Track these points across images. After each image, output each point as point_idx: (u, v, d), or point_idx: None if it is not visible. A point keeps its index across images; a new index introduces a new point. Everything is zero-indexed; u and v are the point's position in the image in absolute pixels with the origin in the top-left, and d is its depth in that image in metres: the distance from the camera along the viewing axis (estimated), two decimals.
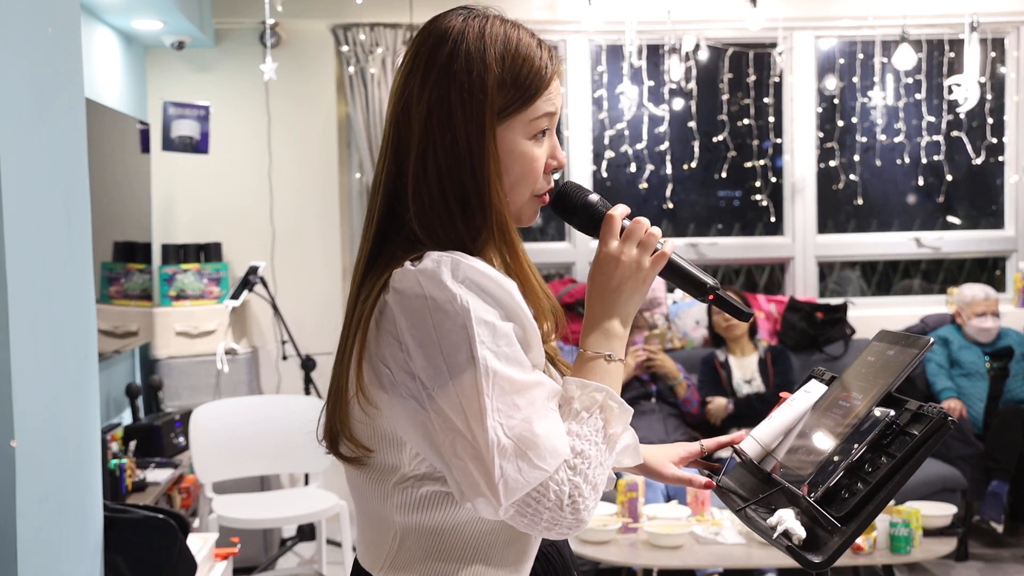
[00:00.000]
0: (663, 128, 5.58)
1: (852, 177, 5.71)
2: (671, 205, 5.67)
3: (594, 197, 1.41)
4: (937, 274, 6.07)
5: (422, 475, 1.31)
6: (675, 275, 1.41)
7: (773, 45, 5.59)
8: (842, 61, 5.72)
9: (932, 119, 5.64)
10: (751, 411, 4.77)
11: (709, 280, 1.41)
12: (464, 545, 1.33)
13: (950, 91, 5.59)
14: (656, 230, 1.37)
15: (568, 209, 1.42)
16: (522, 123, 1.33)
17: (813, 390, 1.65)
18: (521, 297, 1.28)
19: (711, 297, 1.41)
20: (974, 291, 5.22)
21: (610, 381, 1.32)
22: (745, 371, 5.02)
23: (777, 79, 5.63)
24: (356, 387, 1.27)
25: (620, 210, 1.39)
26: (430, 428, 1.22)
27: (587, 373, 1.33)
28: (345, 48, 5.29)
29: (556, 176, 1.42)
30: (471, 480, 1.20)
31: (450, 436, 1.20)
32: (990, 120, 5.66)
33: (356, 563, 1.42)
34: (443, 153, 1.30)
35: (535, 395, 1.23)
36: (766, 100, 5.64)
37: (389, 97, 1.38)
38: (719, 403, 4.88)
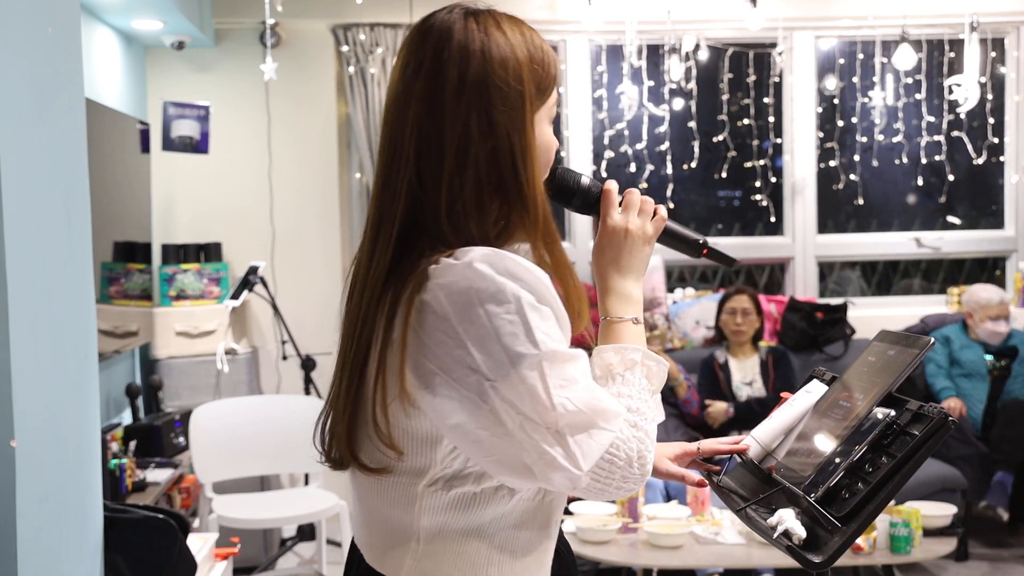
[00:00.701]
0: (663, 128, 5.58)
1: (852, 177, 5.71)
2: (671, 205, 5.67)
3: (586, 179, 1.48)
4: (937, 274, 6.07)
5: (451, 475, 1.31)
6: (671, 237, 1.52)
7: (773, 45, 5.59)
8: (842, 61, 5.72)
9: (932, 119, 5.64)
10: (751, 415, 4.76)
11: (699, 237, 1.54)
12: (490, 549, 1.34)
13: (950, 91, 5.60)
14: (648, 198, 1.46)
15: (567, 192, 1.47)
16: (546, 111, 1.37)
17: (814, 390, 1.65)
18: (551, 286, 1.31)
19: (705, 252, 1.54)
20: (988, 294, 5.19)
21: (639, 342, 1.40)
22: (745, 373, 5.01)
23: (777, 79, 5.63)
24: (399, 390, 1.27)
25: (613, 184, 1.47)
26: (491, 420, 1.23)
27: (617, 337, 1.40)
28: (345, 48, 5.29)
29: None
30: (547, 458, 1.22)
31: (518, 421, 1.22)
32: (990, 120, 5.66)
33: (363, 567, 1.40)
34: (484, 154, 1.31)
35: (583, 365, 1.28)
36: (766, 100, 5.64)
37: (397, 101, 1.35)
38: (719, 407, 4.87)
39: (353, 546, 1.47)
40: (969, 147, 5.70)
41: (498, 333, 1.22)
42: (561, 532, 1.48)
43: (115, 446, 3.76)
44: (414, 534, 1.34)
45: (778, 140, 5.72)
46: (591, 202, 1.47)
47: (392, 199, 1.33)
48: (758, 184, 5.72)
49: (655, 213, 1.46)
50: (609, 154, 5.58)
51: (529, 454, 1.23)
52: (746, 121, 5.69)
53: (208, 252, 5.20)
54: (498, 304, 1.23)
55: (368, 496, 1.38)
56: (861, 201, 5.74)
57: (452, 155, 1.30)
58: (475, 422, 1.24)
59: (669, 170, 5.62)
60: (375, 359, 1.29)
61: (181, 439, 4.45)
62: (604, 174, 5.60)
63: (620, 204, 1.45)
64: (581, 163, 5.60)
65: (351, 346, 1.33)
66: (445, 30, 1.32)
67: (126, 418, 4.67)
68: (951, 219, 5.92)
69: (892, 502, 2.69)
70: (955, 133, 5.71)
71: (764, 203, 5.74)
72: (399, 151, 1.33)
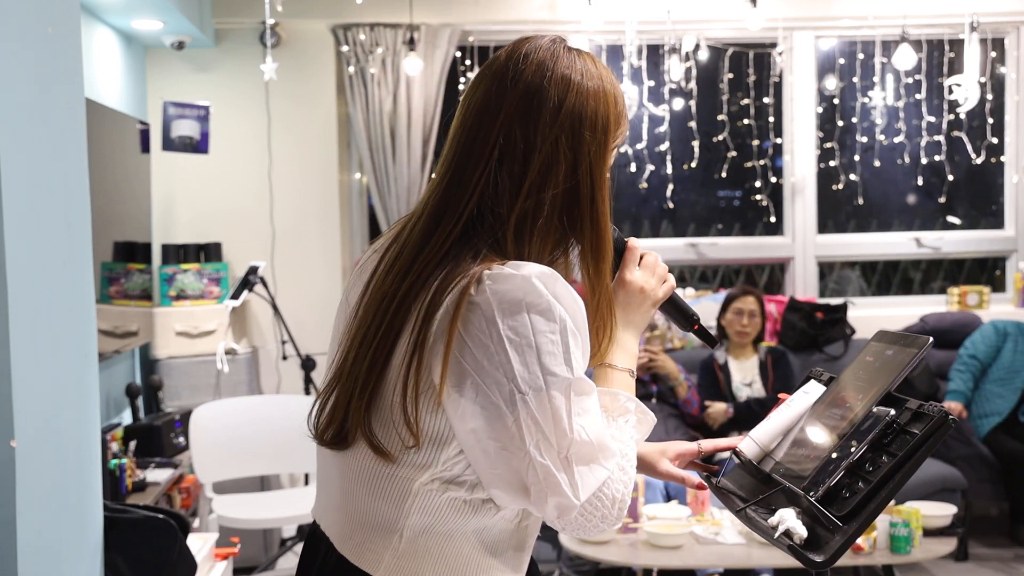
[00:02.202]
0: (663, 128, 5.57)
1: (852, 177, 5.71)
2: (671, 205, 5.67)
3: (613, 230, 1.51)
4: (937, 274, 6.07)
5: (449, 479, 1.32)
6: (672, 305, 1.59)
7: (773, 45, 5.59)
8: (842, 61, 5.72)
9: (932, 119, 5.64)
10: (751, 416, 4.76)
11: (695, 313, 1.62)
12: (470, 551, 1.36)
13: (950, 91, 5.59)
14: (664, 265, 1.55)
15: None
16: (613, 152, 1.44)
17: (812, 391, 1.65)
18: (587, 318, 1.36)
19: (696, 328, 1.62)
20: None
21: (632, 393, 1.46)
22: (745, 374, 5.01)
23: (777, 79, 5.63)
24: (439, 384, 1.29)
25: (637, 242, 1.53)
26: (514, 430, 1.26)
27: (615, 384, 1.45)
28: (345, 48, 5.29)
29: None
30: (551, 481, 1.27)
31: (535, 439, 1.26)
32: (990, 120, 5.66)
33: (340, 560, 1.39)
34: (566, 177, 1.37)
35: (596, 401, 1.34)
36: (766, 100, 5.64)
37: (478, 101, 1.38)
38: (719, 408, 4.87)
39: (316, 532, 1.46)
40: (969, 147, 5.70)
41: (539, 349, 1.27)
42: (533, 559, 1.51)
43: (115, 446, 3.76)
44: (399, 530, 1.34)
45: (778, 140, 5.72)
46: (616, 252, 1.50)
47: (462, 194, 1.36)
48: (758, 184, 5.72)
49: (669, 280, 1.54)
50: None
51: (534, 473, 1.27)
52: (746, 121, 5.68)
53: (208, 252, 5.20)
54: (546, 321, 1.28)
55: (354, 484, 1.38)
56: (861, 201, 5.73)
57: (536, 170, 1.36)
58: (491, 431, 1.27)
59: (669, 170, 5.62)
60: (406, 345, 1.31)
61: (181, 439, 4.45)
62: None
63: (640, 262, 1.51)
64: None
65: (379, 325, 1.34)
66: (549, 54, 1.40)
67: (126, 418, 4.67)
68: (951, 219, 5.92)
69: (892, 502, 2.69)
70: (955, 133, 5.70)
71: (764, 203, 5.74)
72: (479, 151, 1.37)
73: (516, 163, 1.36)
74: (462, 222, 1.35)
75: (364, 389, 1.34)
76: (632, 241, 1.52)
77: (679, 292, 1.60)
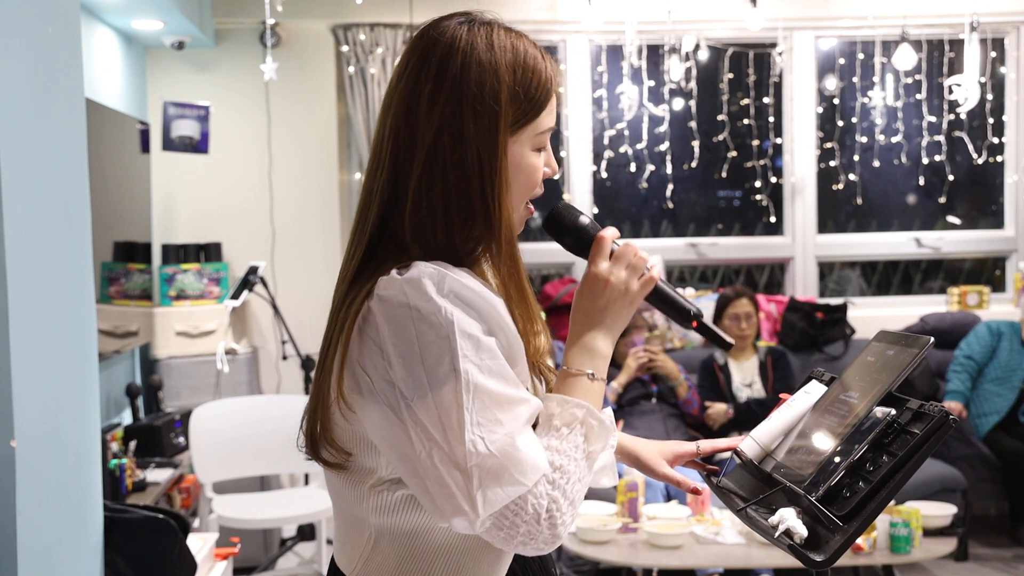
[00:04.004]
0: (663, 128, 5.57)
1: (852, 177, 5.71)
2: (671, 205, 5.67)
3: (585, 219, 1.41)
4: (937, 274, 6.07)
5: (397, 479, 1.30)
6: (660, 300, 1.43)
7: (773, 45, 5.59)
8: (842, 61, 5.72)
9: (932, 119, 5.64)
10: (751, 416, 4.76)
11: (693, 307, 1.44)
12: (438, 548, 1.32)
13: (950, 91, 5.59)
14: (645, 254, 1.38)
15: (560, 230, 1.42)
16: (529, 136, 1.32)
17: (813, 391, 1.64)
18: (507, 312, 1.28)
19: (694, 324, 1.45)
20: None
21: (591, 399, 1.31)
22: (745, 374, 5.01)
23: (777, 79, 5.63)
24: (336, 391, 1.26)
25: (610, 232, 1.38)
26: (405, 438, 1.21)
27: (569, 390, 1.32)
28: (345, 48, 5.29)
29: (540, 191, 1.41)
30: (447, 492, 1.19)
31: (427, 447, 1.19)
32: (990, 120, 5.66)
33: (332, 562, 1.43)
34: (452, 168, 1.28)
35: (519, 411, 1.23)
36: (766, 100, 5.64)
37: (385, 103, 1.34)
38: (719, 408, 4.87)
39: None
40: (969, 147, 5.70)
41: (423, 354, 1.20)
42: None
43: (115, 446, 3.76)
44: (365, 531, 1.34)
45: (778, 140, 5.72)
46: (585, 244, 1.39)
47: (368, 203, 1.33)
48: (758, 184, 5.72)
49: (646, 272, 1.37)
50: (609, 154, 5.58)
51: (430, 484, 1.20)
52: (746, 121, 5.68)
53: (208, 252, 5.20)
54: (429, 325, 1.21)
55: (332, 491, 1.39)
56: (861, 201, 5.73)
57: (420, 164, 1.28)
58: (393, 438, 1.23)
59: (669, 170, 5.62)
60: (328, 360, 1.29)
61: (181, 439, 4.45)
62: (604, 174, 5.60)
63: (611, 254, 1.37)
64: (581, 163, 5.60)
65: (323, 347, 1.33)
66: (434, 39, 1.31)
67: (126, 418, 4.67)
68: (951, 219, 5.92)
69: (892, 502, 2.69)
70: (955, 133, 5.70)
71: (764, 203, 5.74)
72: (379, 154, 1.33)
73: (405, 159, 1.29)
74: (368, 232, 1.31)
75: (310, 410, 1.33)
76: (605, 231, 1.37)
77: (670, 287, 1.44)
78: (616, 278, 1.35)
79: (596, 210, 5.63)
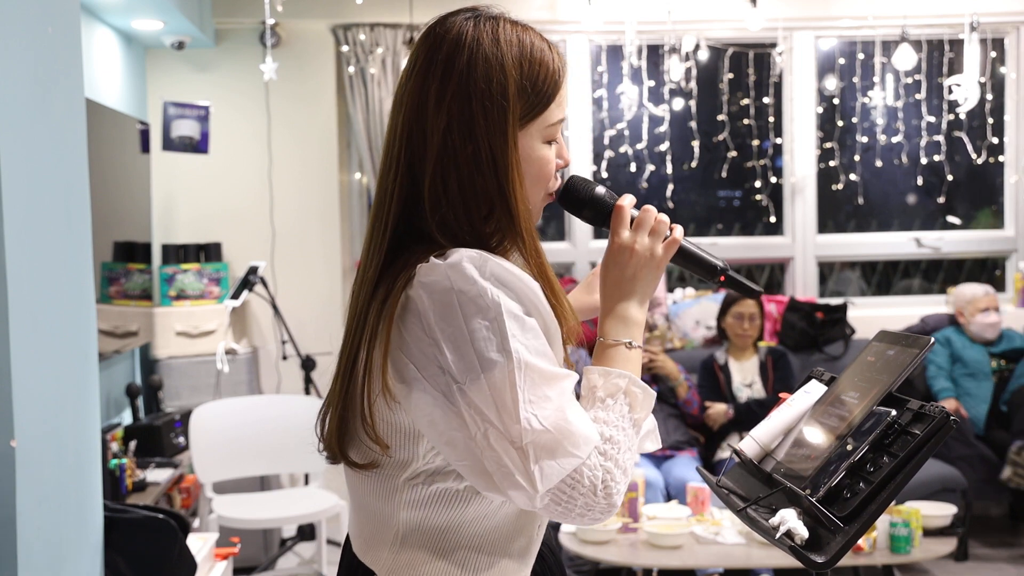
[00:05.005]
0: (663, 128, 5.57)
1: (852, 177, 5.71)
2: (671, 205, 5.66)
3: (601, 189, 1.42)
4: (937, 274, 6.07)
5: (433, 471, 1.31)
6: (686, 260, 1.43)
7: (773, 45, 5.59)
8: (842, 61, 5.72)
9: (932, 119, 5.64)
10: (751, 416, 4.75)
11: (719, 262, 1.44)
12: (468, 545, 1.33)
13: (950, 91, 5.59)
14: (664, 217, 1.39)
15: (577, 203, 1.42)
16: (539, 128, 1.33)
17: (813, 390, 1.64)
18: (544, 296, 1.30)
19: (722, 279, 1.44)
20: (973, 289, 5.26)
21: (631, 367, 1.34)
22: (745, 374, 5.01)
23: (777, 79, 5.63)
24: (382, 384, 1.27)
25: (628, 200, 1.41)
26: (459, 422, 1.22)
27: (608, 360, 1.34)
28: (345, 48, 5.29)
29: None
30: (505, 471, 1.21)
31: (483, 428, 1.21)
32: (990, 120, 5.66)
33: (351, 559, 1.41)
34: (465, 164, 1.29)
35: (565, 386, 1.25)
36: (766, 100, 5.64)
37: (395, 102, 1.35)
38: (719, 409, 4.87)
39: (348, 535, 1.49)
40: (969, 147, 5.70)
41: (472, 337, 1.22)
42: (548, 534, 1.47)
43: (115, 446, 3.76)
44: (394, 526, 1.34)
45: (778, 140, 5.72)
46: (603, 215, 1.40)
47: (386, 200, 1.34)
48: (758, 184, 5.72)
49: (670, 234, 1.39)
50: (609, 154, 5.58)
51: (488, 463, 1.22)
52: (746, 121, 5.68)
53: (208, 252, 5.20)
54: (477, 307, 1.22)
55: (356, 487, 1.39)
56: (861, 201, 5.73)
57: (433, 161, 1.29)
58: (446, 422, 1.24)
59: (669, 170, 5.62)
60: (363, 355, 1.30)
61: (181, 439, 4.45)
62: (604, 174, 5.60)
63: (632, 222, 1.39)
64: (581, 163, 5.59)
65: (346, 344, 1.34)
66: (440, 36, 1.32)
67: (126, 418, 4.67)
68: (951, 219, 5.92)
69: (892, 502, 2.68)
70: (955, 133, 5.70)
71: (764, 203, 5.74)
72: (392, 152, 1.34)
73: (418, 155, 1.30)
74: (390, 228, 1.32)
75: (335, 409, 1.34)
76: (623, 199, 1.39)
77: (694, 245, 1.43)
78: (641, 245, 1.37)
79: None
